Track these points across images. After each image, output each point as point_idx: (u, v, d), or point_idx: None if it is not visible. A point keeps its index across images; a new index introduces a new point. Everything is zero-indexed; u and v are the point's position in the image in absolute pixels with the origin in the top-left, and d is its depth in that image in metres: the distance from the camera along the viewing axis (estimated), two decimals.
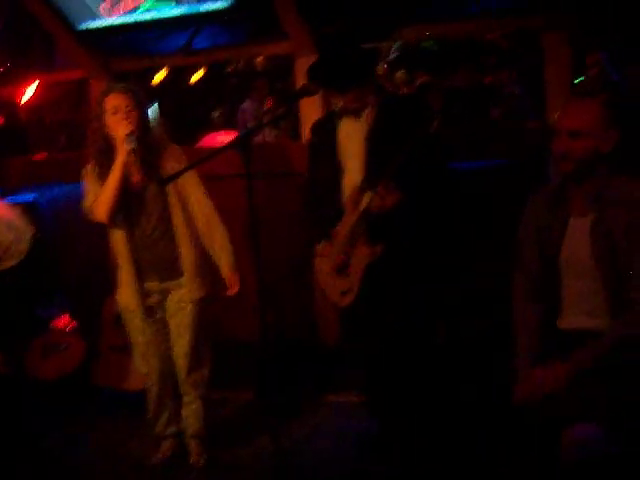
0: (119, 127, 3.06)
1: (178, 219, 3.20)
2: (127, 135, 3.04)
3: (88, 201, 3.19)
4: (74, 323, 4.18)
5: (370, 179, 2.86)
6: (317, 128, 3.18)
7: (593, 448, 2.20)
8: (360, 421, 3.58)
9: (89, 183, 3.19)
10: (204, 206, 3.24)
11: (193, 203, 3.23)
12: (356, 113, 2.95)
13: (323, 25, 3.65)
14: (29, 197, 4.74)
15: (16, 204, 4.22)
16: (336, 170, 3.00)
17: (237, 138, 2.71)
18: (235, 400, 4.07)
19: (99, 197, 3.13)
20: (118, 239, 3.23)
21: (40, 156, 5.15)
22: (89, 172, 3.19)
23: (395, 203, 2.79)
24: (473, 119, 4.58)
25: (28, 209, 4.27)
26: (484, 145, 3.73)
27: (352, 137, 2.97)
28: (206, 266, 3.28)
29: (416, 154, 2.74)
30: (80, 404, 4.09)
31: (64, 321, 4.19)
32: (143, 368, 3.39)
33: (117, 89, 3.15)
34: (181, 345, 3.29)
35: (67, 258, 4.61)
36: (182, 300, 3.25)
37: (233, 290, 3.28)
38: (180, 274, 3.23)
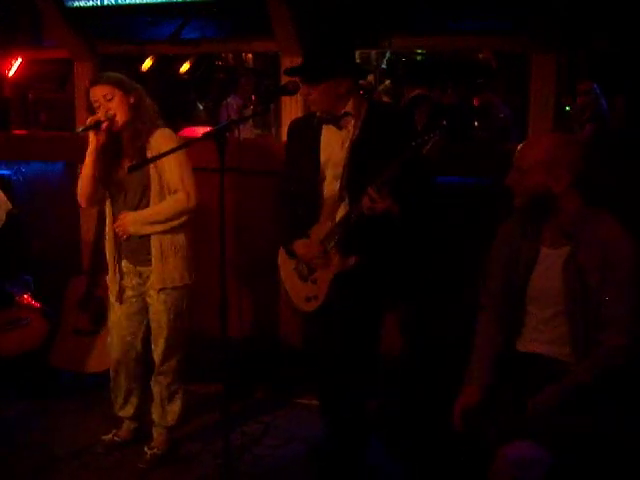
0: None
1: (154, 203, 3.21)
2: (89, 124, 3.07)
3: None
4: (37, 304, 4.15)
5: (350, 190, 2.84)
6: (295, 128, 3.15)
7: (529, 469, 2.22)
8: (314, 425, 3.59)
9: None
10: (175, 187, 3.19)
11: (169, 184, 3.19)
12: (336, 122, 2.92)
13: (311, 27, 3.66)
14: (4, 172, 4.71)
15: None
16: (316, 175, 2.97)
17: (214, 129, 2.68)
18: (192, 393, 4.05)
19: (78, 184, 3.19)
20: (106, 221, 3.30)
21: (20, 132, 5.12)
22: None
23: (386, 208, 2.70)
24: (458, 137, 4.57)
25: (1, 184, 4.25)
26: (464, 162, 3.73)
27: (333, 146, 2.94)
28: (178, 257, 3.24)
29: (405, 169, 2.66)
30: (36, 383, 4.05)
31: (27, 299, 4.16)
32: (110, 346, 3.40)
33: (97, 81, 3.17)
34: (152, 332, 3.31)
35: (35, 236, 4.58)
36: (152, 287, 3.24)
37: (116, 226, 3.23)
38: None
